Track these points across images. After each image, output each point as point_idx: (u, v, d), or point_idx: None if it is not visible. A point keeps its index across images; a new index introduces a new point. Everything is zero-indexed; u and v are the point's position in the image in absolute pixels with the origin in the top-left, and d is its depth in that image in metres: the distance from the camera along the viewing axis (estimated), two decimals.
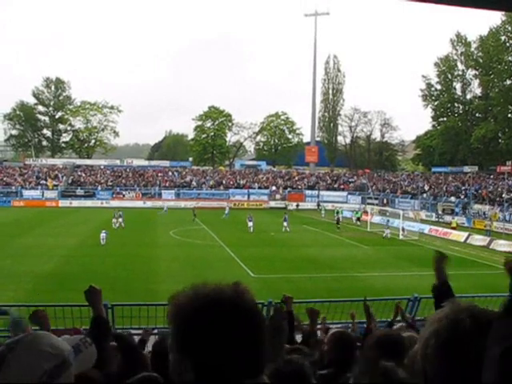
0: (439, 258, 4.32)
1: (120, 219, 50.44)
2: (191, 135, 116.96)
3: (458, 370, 1.07)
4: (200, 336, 1.50)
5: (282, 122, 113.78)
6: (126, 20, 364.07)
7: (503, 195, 62.60)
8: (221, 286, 1.59)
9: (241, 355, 1.49)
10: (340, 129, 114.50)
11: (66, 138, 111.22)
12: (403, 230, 49.90)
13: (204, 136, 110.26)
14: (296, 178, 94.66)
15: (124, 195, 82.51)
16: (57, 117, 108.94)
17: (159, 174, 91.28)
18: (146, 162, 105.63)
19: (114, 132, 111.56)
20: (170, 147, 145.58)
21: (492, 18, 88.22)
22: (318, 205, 78.25)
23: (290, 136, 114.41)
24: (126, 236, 44.31)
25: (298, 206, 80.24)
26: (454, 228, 53.94)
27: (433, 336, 1.60)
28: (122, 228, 48.75)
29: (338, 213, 58.79)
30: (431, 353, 1.53)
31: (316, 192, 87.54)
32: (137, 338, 10.92)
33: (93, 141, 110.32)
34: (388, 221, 50.70)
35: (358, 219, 61.29)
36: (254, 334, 1.53)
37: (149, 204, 79.10)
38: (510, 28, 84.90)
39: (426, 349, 1.65)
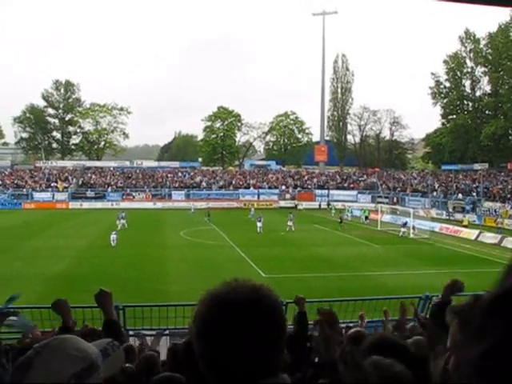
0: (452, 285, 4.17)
1: (123, 220, 50.21)
2: (200, 136, 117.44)
3: None
4: (211, 335, 1.50)
5: (292, 121, 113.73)
6: (134, 20, 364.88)
7: None
8: (242, 285, 1.58)
9: (254, 355, 1.48)
10: (349, 128, 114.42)
11: (75, 140, 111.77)
12: (414, 228, 49.74)
13: (213, 136, 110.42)
14: (306, 178, 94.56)
15: (134, 196, 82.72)
16: (66, 119, 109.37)
17: (169, 175, 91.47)
18: (155, 163, 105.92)
19: (124, 133, 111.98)
20: (180, 148, 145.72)
21: (501, 15, 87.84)
22: (329, 204, 78.13)
23: (299, 135, 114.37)
24: (136, 237, 44.38)
25: (296, 205, 79.93)
26: (465, 226, 53.71)
27: None
28: (124, 229, 48.48)
29: (341, 212, 59.51)
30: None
31: (326, 191, 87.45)
32: (149, 339, 10.97)
33: (102, 142, 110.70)
34: (406, 222, 50.21)
35: (367, 218, 61.20)
36: (269, 334, 1.51)
37: (159, 205, 79.27)
38: None
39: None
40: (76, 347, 2.03)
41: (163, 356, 6.72)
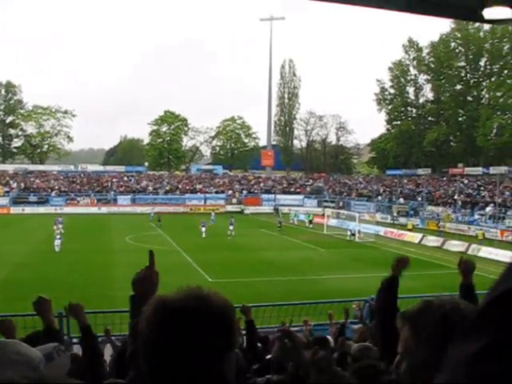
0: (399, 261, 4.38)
1: (60, 225, 48.64)
2: (147, 140, 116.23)
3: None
4: (156, 341, 1.50)
5: (238, 126, 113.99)
6: (82, 24, 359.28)
7: (455, 197, 63.92)
8: (191, 292, 1.56)
9: (199, 361, 1.48)
10: (296, 132, 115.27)
11: (17, 143, 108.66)
12: (359, 232, 50.53)
13: (160, 141, 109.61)
14: (252, 182, 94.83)
15: (78, 201, 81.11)
16: (7, 121, 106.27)
17: (114, 180, 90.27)
18: (100, 167, 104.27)
19: (68, 137, 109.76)
20: (126, 152, 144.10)
21: (442, 25, 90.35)
22: (275, 209, 78.28)
23: (246, 140, 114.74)
24: (81, 242, 43.63)
25: (243, 210, 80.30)
26: (410, 230, 54.88)
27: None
28: (62, 234, 46.55)
29: (282, 216, 61.58)
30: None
31: (272, 196, 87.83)
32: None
33: (46, 146, 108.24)
34: (357, 231, 50.82)
35: (311, 222, 61.91)
36: (217, 341, 1.49)
37: (104, 210, 78.03)
38: (458, 35, 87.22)
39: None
40: (17, 351, 1.99)
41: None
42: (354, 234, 50.73)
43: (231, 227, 51.07)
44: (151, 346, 1.50)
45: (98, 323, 11.21)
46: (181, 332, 1.47)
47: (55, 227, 47.92)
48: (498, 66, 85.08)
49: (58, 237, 39.92)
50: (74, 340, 10.92)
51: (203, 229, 49.37)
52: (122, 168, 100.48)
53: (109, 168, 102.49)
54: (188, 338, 1.45)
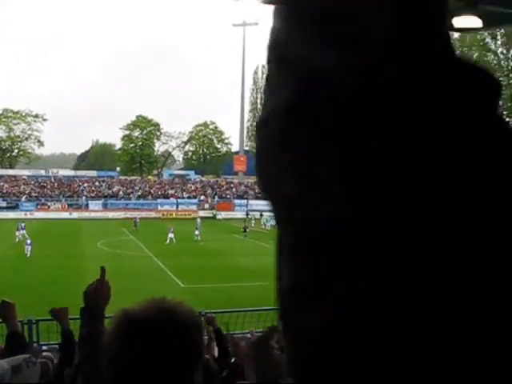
0: None
1: (23, 231, 47.50)
2: (119, 145, 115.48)
3: None
4: (119, 355, 1.49)
5: (211, 131, 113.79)
6: (54, 28, 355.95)
7: None
8: (156, 304, 1.55)
9: (165, 374, 1.47)
10: None
11: None
12: None
13: (132, 145, 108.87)
14: (225, 187, 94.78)
15: (49, 206, 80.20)
16: None
17: (86, 185, 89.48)
18: (72, 172, 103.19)
19: (39, 141, 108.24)
20: (97, 157, 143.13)
21: None
22: (247, 214, 77.98)
23: (218, 145, 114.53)
24: (51, 248, 43.12)
25: (215, 215, 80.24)
26: None
27: None
28: (23, 240, 44.45)
29: (245, 221, 63.52)
30: None
31: (245, 201, 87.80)
32: None
33: (16, 150, 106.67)
34: None
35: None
36: (182, 353, 1.48)
37: (75, 215, 77.29)
38: None
39: None
40: None
41: None
42: None
43: (197, 232, 51.16)
44: (116, 360, 1.49)
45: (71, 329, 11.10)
46: (145, 344, 1.47)
47: (17, 233, 47.21)
48: None
49: (29, 242, 39.37)
50: (44, 347, 10.83)
51: (171, 235, 49.35)
52: (93, 173, 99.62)
53: (80, 173, 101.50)
54: (153, 350, 1.44)
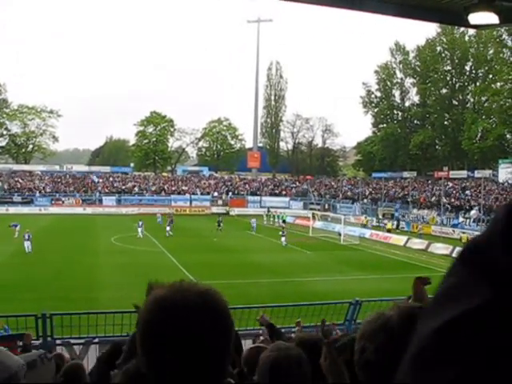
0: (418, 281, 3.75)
1: (17, 228, 46.88)
2: (133, 141, 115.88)
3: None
4: (154, 340, 1.46)
5: (225, 127, 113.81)
6: (69, 23, 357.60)
7: (443, 200, 64.26)
8: (188, 288, 1.52)
9: (199, 361, 1.45)
10: (282, 135, 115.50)
11: (1, 142, 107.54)
12: (340, 234, 50.84)
13: (146, 141, 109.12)
14: (238, 184, 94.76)
15: (63, 202, 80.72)
16: None
17: (100, 180, 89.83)
18: (86, 168, 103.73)
19: (53, 137, 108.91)
20: (111, 153, 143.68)
21: (429, 29, 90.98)
22: (269, 210, 76.29)
23: (232, 142, 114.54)
24: (65, 243, 43.32)
25: (228, 212, 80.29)
26: (389, 230, 55.27)
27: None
28: (16, 237, 44.55)
29: (219, 215, 63.61)
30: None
31: (258, 198, 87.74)
32: (77, 348, 10.72)
33: (31, 146, 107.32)
34: (342, 234, 50.63)
35: (284, 221, 61.85)
36: (216, 339, 1.43)
37: (89, 210, 77.67)
38: (444, 39, 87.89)
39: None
40: None
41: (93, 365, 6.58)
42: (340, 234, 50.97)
43: (168, 228, 51.25)
44: (147, 346, 1.46)
45: (83, 324, 11.16)
46: (179, 329, 1.45)
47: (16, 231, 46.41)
48: (482, 71, 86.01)
49: (27, 237, 38.91)
50: (58, 342, 10.89)
51: (167, 227, 50.69)
52: (107, 169, 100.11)
53: (94, 168, 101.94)
54: (185, 335, 1.40)
